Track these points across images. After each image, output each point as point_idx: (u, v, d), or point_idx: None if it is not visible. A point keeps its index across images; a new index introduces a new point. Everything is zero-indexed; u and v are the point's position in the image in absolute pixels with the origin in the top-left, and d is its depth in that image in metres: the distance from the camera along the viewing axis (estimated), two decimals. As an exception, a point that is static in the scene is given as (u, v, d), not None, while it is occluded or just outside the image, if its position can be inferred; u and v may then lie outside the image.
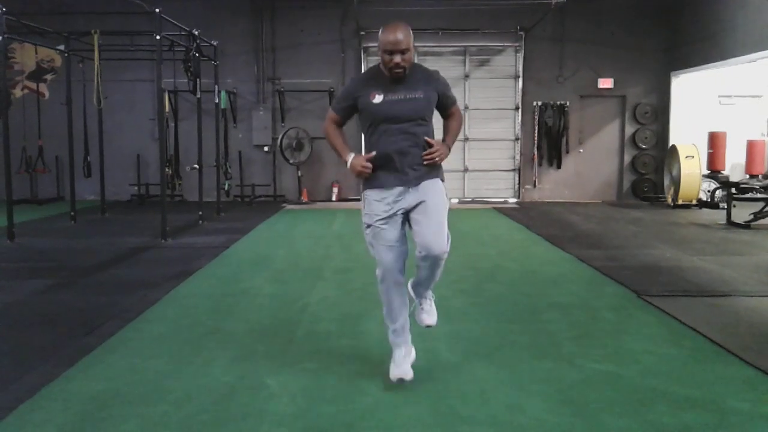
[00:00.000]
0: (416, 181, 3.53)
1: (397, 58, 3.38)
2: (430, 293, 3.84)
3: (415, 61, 3.64)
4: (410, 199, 3.52)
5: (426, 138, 3.53)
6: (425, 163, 3.51)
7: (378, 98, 3.48)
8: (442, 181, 3.65)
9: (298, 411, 3.35)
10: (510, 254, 7.89)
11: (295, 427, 3.17)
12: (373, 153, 3.53)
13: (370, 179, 3.57)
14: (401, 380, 3.57)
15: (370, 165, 3.51)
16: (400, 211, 3.54)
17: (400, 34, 3.37)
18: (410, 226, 3.59)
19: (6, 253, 7.82)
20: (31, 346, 4.35)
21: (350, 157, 3.57)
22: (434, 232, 3.48)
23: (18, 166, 12.26)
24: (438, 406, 3.41)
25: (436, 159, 3.52)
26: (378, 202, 3.55)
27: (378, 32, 3.46)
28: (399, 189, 3.52)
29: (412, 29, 3.48)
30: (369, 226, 3.58)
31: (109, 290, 5.92)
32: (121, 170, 13.63)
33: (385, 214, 3.52)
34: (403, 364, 3.61)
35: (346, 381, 3.74)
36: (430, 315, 3.80)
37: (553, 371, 3.90)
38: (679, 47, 13.39)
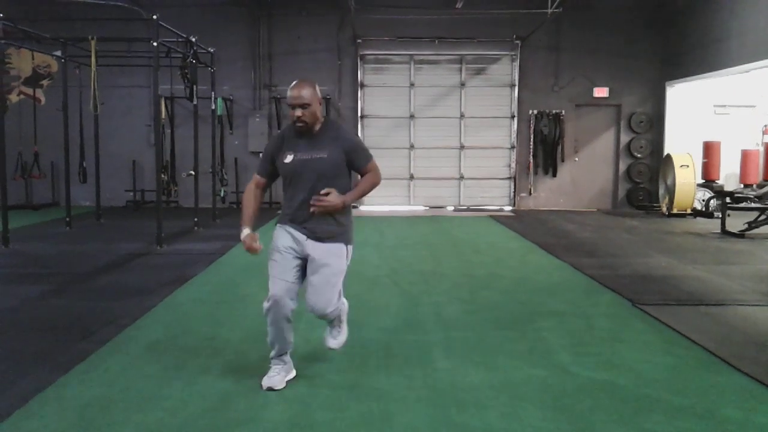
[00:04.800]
0: (321, 238, 3.68)
1: (299, 112, 3.63)
2: (339, 321, 3.97)
3: (333, 119, 3.83)
4: (311, 250, 3.68)
5: (325, 189, 3.65)
6: (311, 209, 3.64)
7: (288, 158, 3.71)
8: (348, 244, 3.79)
9: (293, 418, 3.35)
10: (505, 262, 7.90)
11: (290, 434, 3.17)
12: (260, 246, 3.67)
13: (285, 217, 3.74)
14: (270, 389, 3.69)
15: (259, 248, 3.67)
16: (301, 255, 3.70)
17: (303, 91, 3.64)
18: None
19: (0, 258, 7.79)
20: (25, 352, 4.34)
21: (245, 232, 3.71)
22: (319, 295, 3.69)
23: (13, 172, 12.23)
24: (433, 413, 3.41)
25: (322, 206, 3.63)
26: (285, 235, 3.72)
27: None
28: (304, 235, 3.69)
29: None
30: (271, 253, 3.74)
31: (105, 296, 5.91)
32: (116, 176, 13.60)
33: (285, 250, 3.68)
34: (275, 377, 3.75)
35: (341, 388, 3.74)
36: (335, 338, 3.99)
37: (549, 379, 3.91)
38: (674, 57, 13.47)
